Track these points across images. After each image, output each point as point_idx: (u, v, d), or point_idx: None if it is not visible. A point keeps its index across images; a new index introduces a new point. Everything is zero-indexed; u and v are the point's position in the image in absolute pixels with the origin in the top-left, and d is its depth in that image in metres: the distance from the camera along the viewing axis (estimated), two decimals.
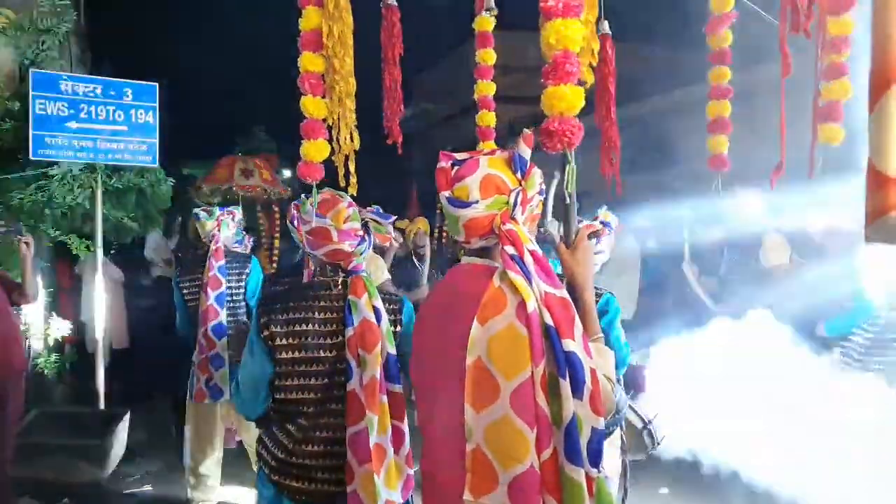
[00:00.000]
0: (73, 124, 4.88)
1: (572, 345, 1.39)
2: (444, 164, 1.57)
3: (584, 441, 1.37)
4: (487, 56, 3.74)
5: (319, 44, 2.44)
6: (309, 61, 2.45)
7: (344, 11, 2.44)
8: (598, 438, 1.39)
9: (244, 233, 4.43)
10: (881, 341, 3.78)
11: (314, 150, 2.43)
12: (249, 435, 3.91)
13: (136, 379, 5.95)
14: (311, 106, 2.46)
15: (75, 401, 5.86)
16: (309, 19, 2.44)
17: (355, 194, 2.53)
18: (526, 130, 1.54)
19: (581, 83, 1.79)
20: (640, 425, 3.24)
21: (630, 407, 3.24)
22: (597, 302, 2.93)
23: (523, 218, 1.52)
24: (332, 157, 2.53)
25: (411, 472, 2.22)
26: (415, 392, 1.71)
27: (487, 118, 3.77)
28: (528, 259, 1.45)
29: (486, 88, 3.79)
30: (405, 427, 2.20)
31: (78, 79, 5.05)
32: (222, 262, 3.87)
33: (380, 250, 4.26)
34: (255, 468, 2.52)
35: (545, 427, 1.37)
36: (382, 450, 2.10)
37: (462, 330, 1.45)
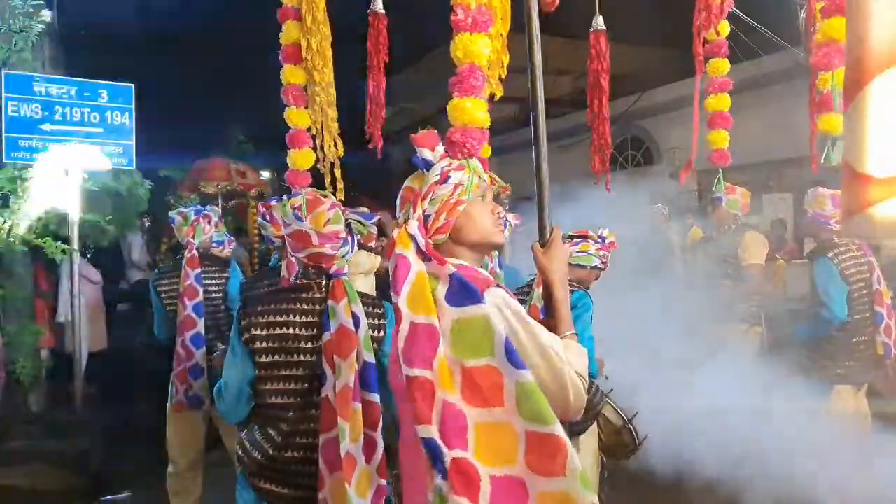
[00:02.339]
0: (47, 126, 4.80)
1: None
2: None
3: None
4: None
5: (300, 56, 2.49)
6: (291, 74, 2.53)
7: (322, 24, 2.49)
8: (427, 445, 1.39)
9: (227, 235, 4.37)
10: (847, 345, 3.86)
11: (300, 158, 2.48)
12: (231, 440, 3.88)
13: (114, 383, 5.87)
14: (295, 117, 2.52)
15: (52, 405, 5.76)
16: (289, 33, 2.51)
17: (343, 199, 2.55)
18: (423, 132, 1.60)
19: (491, 96, 1.90)
20: (619, 423, 3.25)
21: (610, 404, 3.25)
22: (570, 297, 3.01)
23: (418, 214, 1.53)
24: (318, 165, 2.57)
25: (383, 482, 2.13)
26: (394, 397, 1.71)
27: None
28: (394, 262, 1.48)
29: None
30: (379, 437, 2.14)
31: (52, 80, 4.98)
32: (198, 269, 3.76)
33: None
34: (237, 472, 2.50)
35: None
36: (353, 458, 2.05)
37: None
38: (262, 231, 2.58)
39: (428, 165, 1.58)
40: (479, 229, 1.59)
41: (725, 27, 3.70)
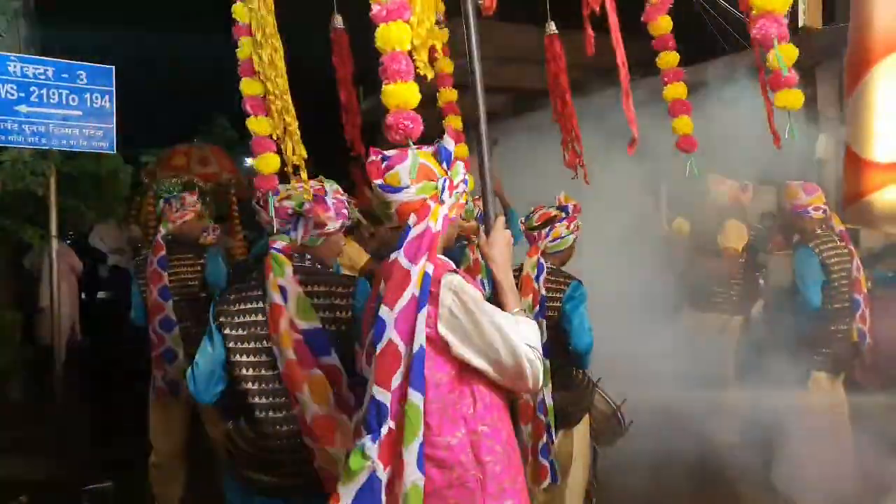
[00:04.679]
0: (23, 108, 4.66)
1: (384, 311, 1.58)
2: (374, 157, 1.72)
3: (367, 397, 1.57)
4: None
5: (253, 70, 2.70)
6: (248, 86, 2.71)
7: (272, 37, 2.68)
8: (374, 406, 1.53)
9: (211, 222, 4.33)
10: (826, 333, 3.91)
11: (264, 163, 2.63)
12: (214, 429, 3.84)
13: (93, 370, 5.79)
14: (256, 125, 2.68)
15: (32, 394, 5.67)
16: (244, 49, 2.71)
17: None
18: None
19: (422, 77, 2.00)
20: (609, 411, 3.30)
21: (599, 392, 3.28)
22: (564, 288, 3.01)
23: (451, 202, 1.69)
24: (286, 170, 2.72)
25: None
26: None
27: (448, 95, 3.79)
28: (410, 232, 1.62)
29: (446, 66, 3.80)
30: (348, 395, 2.12)
31: (28, 60, 4.82)
32: (161, 254, 3.76)
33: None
34: (221, 461, 2.47)
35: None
36: (328, 420, 2.07)
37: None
38: (255, 217, 2.60)
39: (447, 156, 1.71)
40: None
41: (669, 23, 3.84)
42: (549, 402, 2.87)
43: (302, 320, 2.12)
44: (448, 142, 1.73)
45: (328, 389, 2.09)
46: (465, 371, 1.61)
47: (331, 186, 2.37)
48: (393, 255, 1.63)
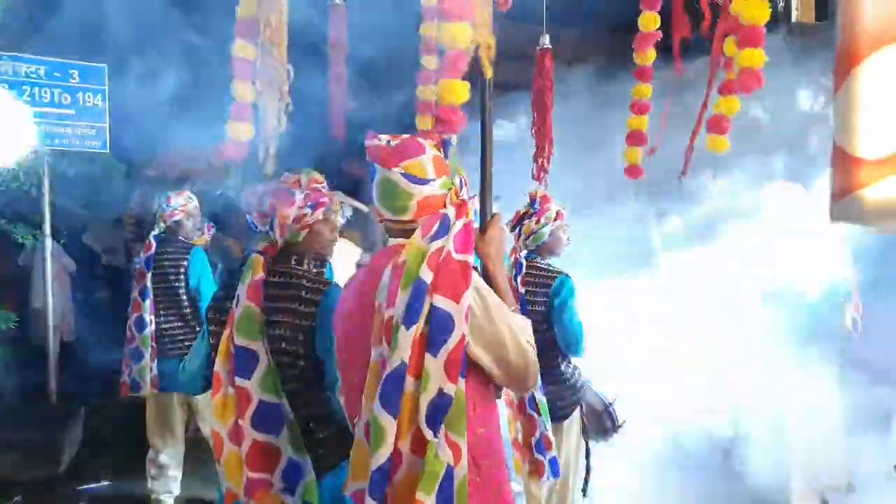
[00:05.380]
0: None
1: (442, 301, 1.45)
2: (377, 140, 1.60)
3: (425, 398, 1.42)
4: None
5: (254, 32, 2.53)
6: (242, 48, 2.56)
7: (281, 3, 2.54)
8: (443, 403, 1.43)
9: (206, 221, 4.32)
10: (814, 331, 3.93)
11: (237, 131, 2.51)
12: (206, 425, 3.85)
13: (88, 370, 5.77)
14: (240, 89, 2.57)
15: (25, 395, 5.65)
16: (245, 7, 2.56)
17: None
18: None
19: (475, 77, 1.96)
20: (601, 407, 3.31)
21: (592, 389, 3.30)
22: (552, 282, 3.02)
23: (466, 198, 1.63)
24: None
25: (251, 475, 1.99)
26: (342, 372, 1.72)
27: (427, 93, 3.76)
28: (457, 225, 1.54)
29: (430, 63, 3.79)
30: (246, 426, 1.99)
31: (20, 59, 4.81)
32: (149, 253, 3.79)
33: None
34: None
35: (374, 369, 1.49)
36: (219, 438, 2.02)
37: (377, 284, 1.54)
38: (247, 217, 2.56)
39: (448, 152, 1.64)
40: None
41: (652, 55, 3.90)
42: (539, 397, 2.88)
43: (239, 335, 2.01)
44: (451, 137, 1.70)
45: (230, 413, 2.00)
46: (469, 370, 1.53)
47: (307, 175, 2.21)
48: (438, 244, 1.49)
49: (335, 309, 1.77)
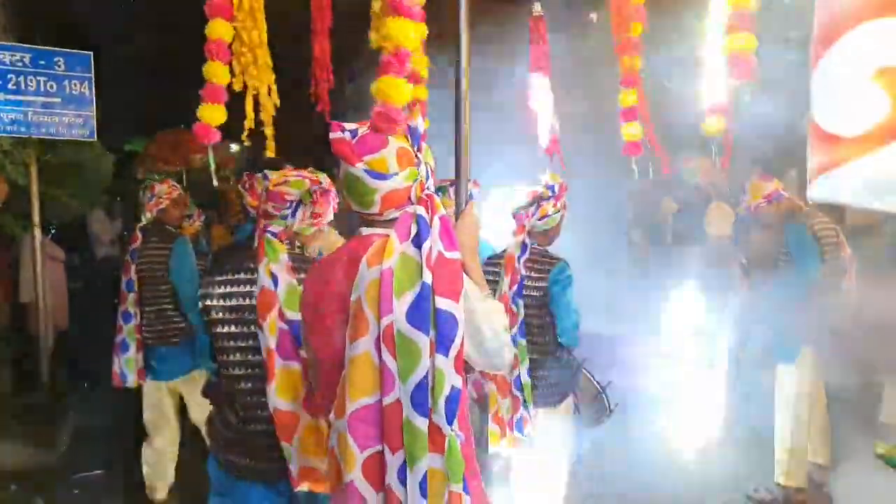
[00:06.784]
0: (0, 96, 4.61)
1: (445, 303, 1.46)
2: (340, 133, 1.57)
3: (441, 396, 1.44)
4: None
5: (229, 12, 2.49)
6: (214, 28, 2.49)
7: None
8: (455, 396, 1.46)
9: (195, 209, 4.30)
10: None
11: (209, 113, 2.44)
12: (197, 413, 3.87)
13: (82, 361, 5.77)
14: (213, 71, 2.50)
15: (19, 386, 5.65)
16: None
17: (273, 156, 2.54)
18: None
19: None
20: (594, 392, 3.31)
21: (586, 374, 3.30)
22: (551, 269, 3.01)
23: (433, 189, 1.63)
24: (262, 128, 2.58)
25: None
26: (307, 344, 1.70)
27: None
28: (436, 223, 1.53)
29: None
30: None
31: (4, 47, 4.75)
32: (135, 245, 3.78)
33: None
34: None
35: (387, 375, 1.46)
36: (290, 416, 2.04)
37: (352, 274, 1.53)
38: (241, 200, 2.54)
39: (417, 137, 1.61)
40: None
41: (639, 27, 3.84)
42: (524, 378, 2.90)
43: (290, 310, 2.07)
44: (418, 122, 1.63)
45: (299, 385, 2.06)
46: None
47: (325, 178, 2.27)
48: (426, 246, 1.50)
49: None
